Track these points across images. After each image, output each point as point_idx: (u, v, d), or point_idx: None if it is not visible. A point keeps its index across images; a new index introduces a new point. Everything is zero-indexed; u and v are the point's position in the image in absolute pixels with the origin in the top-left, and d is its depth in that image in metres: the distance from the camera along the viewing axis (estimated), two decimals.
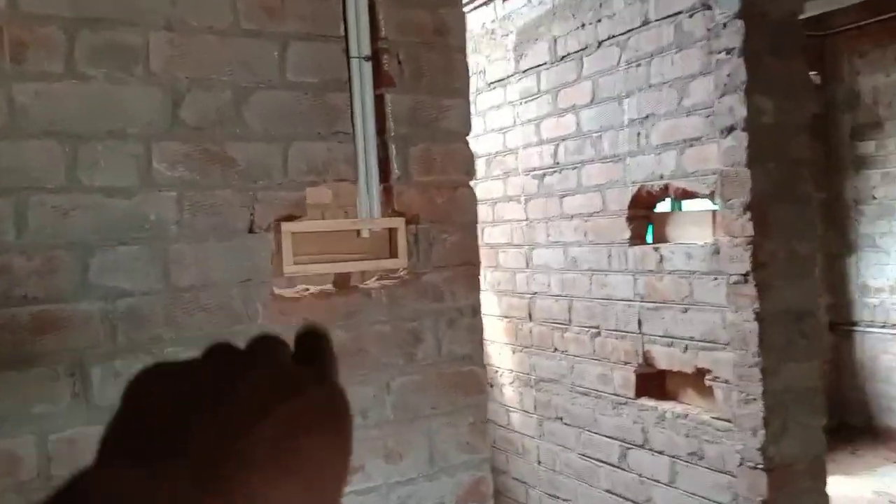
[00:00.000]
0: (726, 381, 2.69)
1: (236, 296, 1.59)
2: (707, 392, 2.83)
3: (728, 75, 2.45)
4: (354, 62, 1.73)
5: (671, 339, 2.93)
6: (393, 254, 1.80)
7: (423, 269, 1.82)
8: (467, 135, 1.89)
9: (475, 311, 1.89)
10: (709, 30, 2.60)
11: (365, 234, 1.77)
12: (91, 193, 1.45)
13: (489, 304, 4.01)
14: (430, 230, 1.83)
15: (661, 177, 2.90)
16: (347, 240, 1.77)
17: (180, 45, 1.53)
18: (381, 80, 1.76)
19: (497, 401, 4.06)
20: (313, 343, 0.39)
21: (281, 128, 1.64)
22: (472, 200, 1.89)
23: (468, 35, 3.99)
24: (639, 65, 2.93)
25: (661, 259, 2.94)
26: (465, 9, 3.89)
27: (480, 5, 3.80)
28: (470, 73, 3.97)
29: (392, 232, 1.80)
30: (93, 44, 1.45)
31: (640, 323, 3.07)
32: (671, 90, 2.80)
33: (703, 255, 2.74)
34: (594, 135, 3.20)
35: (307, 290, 1.71)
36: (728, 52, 2.44)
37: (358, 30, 1.73)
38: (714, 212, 2.76)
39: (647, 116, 2.93)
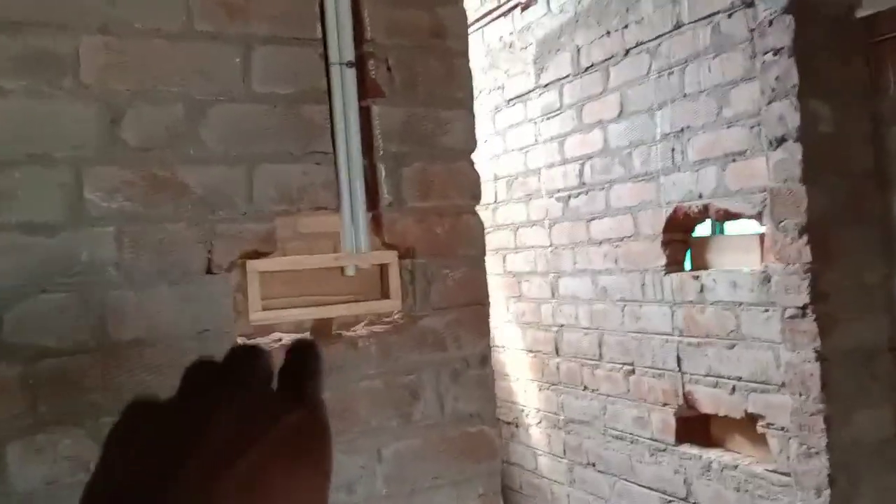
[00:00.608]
0: (782, 429, 2.34)
1: (191, 351, 1.31)
2: (759, 440, 2.48)
3: (776, 79, 2.13)
4: (335, 69, 1.46)
5: (716, 379, 2.58)
6: (384, 294, 1.52)
7: (421, 312, 1.53)
8: (472, 152, 1.60)
9: (484, 360, 1.59)
10: (751, 29, 2.30)
11: (350, 271, 1.49)
12: (6, 231, 1.19)
13: (513, 336, 3.70)
14: (429, 265, 1.54)
15: (700, 196, 2.58)
16: (329, 279, 1.49)
17: (120, 52, 1.28)
18: (366, 89, 1.49)
19: (523, 443, 3.73)
20: (299, 358, 0.39)
21: (245, 148, 1.38)
22: (479, 229, 1.60)
23: (485, 50, 3.74)
24: (671, 73, 2.63)
25: (702, 288, 2.61)
26: (482, 22, 3.64)
27: (498, 17, 3.55)
28: (488, 90, 3.72)
29: (383, 268, 1.52)
30: (10, 51, 1.20)
31: (679, 360, 2.74)
32: (709, 99, 2.50)
33: (751, 285, 2.41)
34: (623, 151, 2.90)
35: (279, 340, 1.43)
36: (776, 52, 2.13)
37: (339, 31, 1.46)
38: (762, 235, 2.43)
39: (682, 130, 2.62)
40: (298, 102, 1.43)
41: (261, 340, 1.41)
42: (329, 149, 1.46)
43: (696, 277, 2.64)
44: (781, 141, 2.17)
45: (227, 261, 1.36)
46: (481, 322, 1.59)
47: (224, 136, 1.36)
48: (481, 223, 1.61)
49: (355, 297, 1.51)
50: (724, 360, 2.54)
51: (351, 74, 1.47)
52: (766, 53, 2.15)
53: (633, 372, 2.97)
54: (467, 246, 1.59)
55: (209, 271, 1.34)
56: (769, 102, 2.16)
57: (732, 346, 2.50)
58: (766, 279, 2.35)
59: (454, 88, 1.58)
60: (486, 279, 1.61)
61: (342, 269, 1.49)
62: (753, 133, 2.33)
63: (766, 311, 2.36)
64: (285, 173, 1.42)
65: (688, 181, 2.62)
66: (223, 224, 1.36)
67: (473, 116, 1.60)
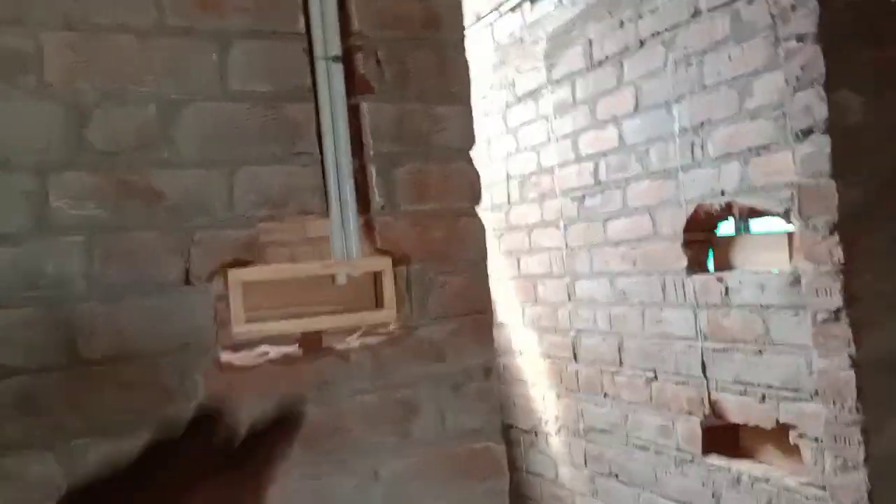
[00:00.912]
0: (816, 440, 2.19)
1: (168, 367, 1.23)
2: (792, 451, 2.33)
3: (802, 68, 2.00)
4: (320, 64, 1.37)
5: (744, 386, 2.44)
6: (378, 304, 1.42)
7: (419, 322, 1.43)
8: (470, 150, 1.50)
9: (488, 372, 1.48)
10: (773, 15, 2.16)
11: (341, 279, 1.39)
12: None
13: (529, 341, 3.58)
14: (426, 272, 1.44)
15: (723, 193, 2.44)
16: (318, 288, 1.39)
17: (85, 49, 1.20)
18: (355, 85, 1.40)
19: (543, 452, 3.61)
20: (267, 440, 0.41)
21: (223, 150, 1.29)
22: (480, 233, 1.50)
23: (494, 46, 3.63)
24: (689, 64, 2.50)
25: (727, 290, 2.47)
26: (491, 17, 3.53)
27: (507, 12, 3.44)
28: (499, 87, 3.61)
29: (376, 276, 1.42)
30: None
31: (704, 366, 2.60)
32: (730, 91, 2.36)
33: (780, 286, 2.27)
34: (640, 148, 2.77)
35: (266, 354, 1.33)
36: (800, 38, 1.99)
37: (323, 24, 1.37)
38: (790, 233, 2.28)
39: (701, 123, 2.49)
40: (281, 101, 1.34)
41: (246, 355, 1.32)
42: (315, 150, 1.37)
43: (720, 279, 2.50)
44: (808, 133, 2.03)
45: (207, 271, 1.27)
46: (484, 331, 1.49)
47: (200, 138, 1.27)
48: (482, 226, 1.51)
49: (347, 307, 1.41)
50: (753, 367, 2.39)
51: (337, 70, 1.38)
52: (789, 40, 2.02)
53: (655, 378, 2.83)
54: (467, 250, 1.48)
55: (187, 282, 1.26)
56: (794, 93, 2.02)
57: (761, 352, 2.36)
58: (796, 280, 2.21)
59: (450, 82, 1.47)
60: (488, 286, 1.51)
61: (332, 277, 1.40)
62: (778, 125, 2.19)
63: (796, 314, 2.22)
64: (268, 176, 1.33)
65: (709, 177, 2.48)
66: (201, 231, 1.27)
67: (471, 112, 1.50)
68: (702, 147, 2.50)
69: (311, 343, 1.38)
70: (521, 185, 3.49)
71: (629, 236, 2.85)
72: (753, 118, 2.29)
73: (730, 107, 2.36)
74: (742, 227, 2.64)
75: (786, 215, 2.24)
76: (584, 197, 3.08)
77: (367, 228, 1.42)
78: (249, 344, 1.34)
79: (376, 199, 1.40)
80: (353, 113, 1.40)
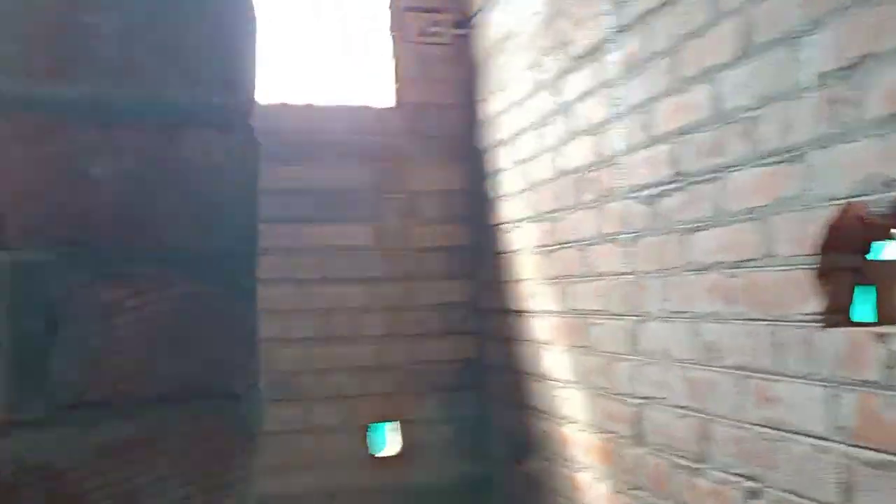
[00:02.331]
0: None
1: None
2: None
3: None
4: None
5: None
6: None
7: (27, 416, 0.52)
8: (236, 108, 0.57)
9: None
10: None
11: None
12: None
13: (576, 406, 2.57)
14: (57, 272, 0.53)
15: (893, 184, 1.37)
16: None
17: None
18: None
19: None
20: None
21: None
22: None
23: (546, 5, 2.68)
24: None
25: (894, 360, 1.38)
26: None
27: None
28: (551, 49, 2.64)
29: None
30: None
31: (848, 488, 1.50)
32: None
33: None
34: (744, 115, 1.74)
35: None
36: None
37: None
38: None
39: (854, 64, 1.44)
40: None
41: None
42: None
43: (882, 338, 1.41)
44: None
45: None
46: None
47: None
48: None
49: None
50: None
51: None
52: None
53: (759, 494, 1.75)
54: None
55: None
56: None
57: None
58: None
59: None
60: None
61: None
62: None
63: None
64: None
65: (866, 157, 1.42)
66: None
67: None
68: (855, 105, 1.44)
69: None
70: (576, 185, 2.50)
71: (725, 257, 1.81)
72: None
73: None
74: None
75: None
76: (657, 196, 2.06)
77: None
78: None
79: None
80: None
